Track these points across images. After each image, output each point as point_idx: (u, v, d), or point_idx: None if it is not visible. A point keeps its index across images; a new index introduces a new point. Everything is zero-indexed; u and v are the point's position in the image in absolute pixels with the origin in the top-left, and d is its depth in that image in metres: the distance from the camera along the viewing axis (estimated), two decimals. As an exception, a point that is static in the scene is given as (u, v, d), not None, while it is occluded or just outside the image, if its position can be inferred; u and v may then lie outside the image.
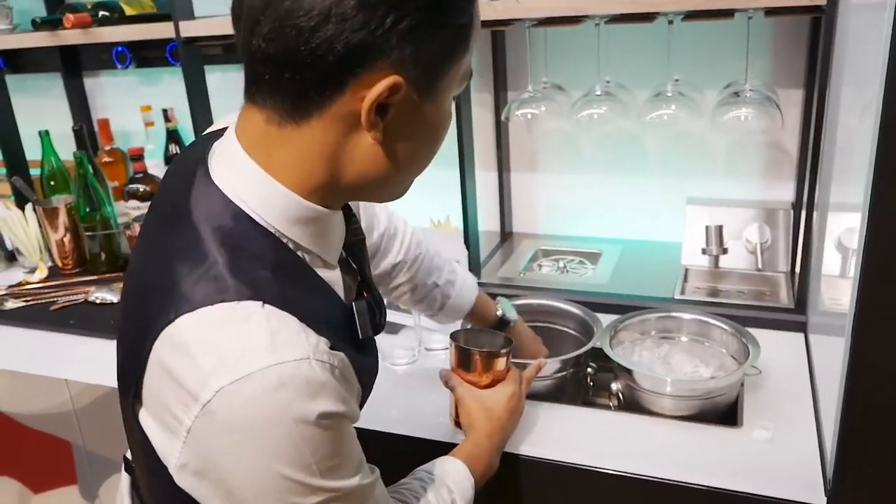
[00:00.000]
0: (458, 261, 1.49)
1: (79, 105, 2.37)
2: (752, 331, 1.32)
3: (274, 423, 0.62)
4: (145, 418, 0.70)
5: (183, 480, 0.68)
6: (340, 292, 0.79)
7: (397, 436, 1.22)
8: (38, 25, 1.92)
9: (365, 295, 0.86)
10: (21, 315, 1.76)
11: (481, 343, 1.11)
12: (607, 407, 1.27)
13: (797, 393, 1.26)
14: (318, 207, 0.72)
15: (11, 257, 2.07)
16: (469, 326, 1.29)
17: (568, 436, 1.18)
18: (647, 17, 1.40)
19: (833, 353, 1.02)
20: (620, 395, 1.26)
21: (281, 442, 0.63)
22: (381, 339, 1.41)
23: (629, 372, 1.22)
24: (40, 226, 1.97)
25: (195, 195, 0.71)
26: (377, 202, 0.82)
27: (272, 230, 0.71)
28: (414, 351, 1.43)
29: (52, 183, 2.11)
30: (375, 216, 1.12)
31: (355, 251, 0.86)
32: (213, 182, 0.71)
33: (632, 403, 1.25)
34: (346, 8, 0.61)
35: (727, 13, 1.34)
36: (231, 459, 0.64)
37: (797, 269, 1.51)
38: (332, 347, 0.68)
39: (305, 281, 0.73)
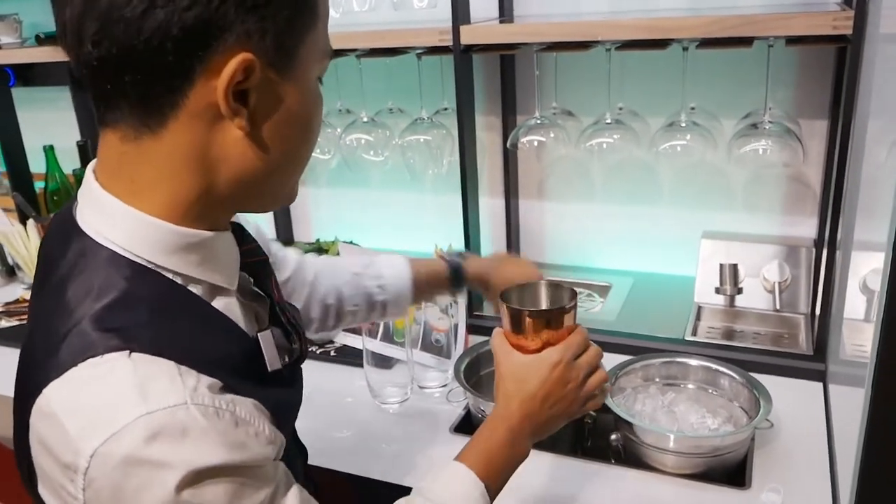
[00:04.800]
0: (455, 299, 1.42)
1: (86, 118, 2.35)
2: (767, 378, 1.25)
3: (155, 482, 0.56)
4: (49, 501, 0.63)
5: None
6: (242, 323, 0.72)
7: (382, 484, 1.15)
8: (41, 41, 1.90)
9: (271, 321, 0.77)
10: (14, 334, 1.71)
11: (538, 298, 0.90)
12: (606, 459, 1.19)
13: (812, 450, 1.17)
14: (195, 231, 0.66)
15: (11, 272, 2.05)
16: (524, 283, 0.97)
17: (561, 490, 1.11)
18: (660, 44, 1.33)
19: (853, 406, 0.94)
20: (620, 448, 1.18)
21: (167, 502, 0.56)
22: (373, 375, 1.36)
23: (630, 424, 1.14)
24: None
25: (63, 251, 0.66)
26: (261, 211, 0.75)
27: (149, 265, 0.65)
28: (406, 389, 1.36)
29: (56, 198, 2.08)
30: (283, 259, 1.06)
31: (260, 275, 0.79)
32: (81, 231, 0.66)
33: (632, 457, 1.17)
34: None
35: (745, 41, 1.26)
36: None
37: (818, 312, 1.42)
38: (226, 388, 0.62)
39: (194, 316, 0.67)
